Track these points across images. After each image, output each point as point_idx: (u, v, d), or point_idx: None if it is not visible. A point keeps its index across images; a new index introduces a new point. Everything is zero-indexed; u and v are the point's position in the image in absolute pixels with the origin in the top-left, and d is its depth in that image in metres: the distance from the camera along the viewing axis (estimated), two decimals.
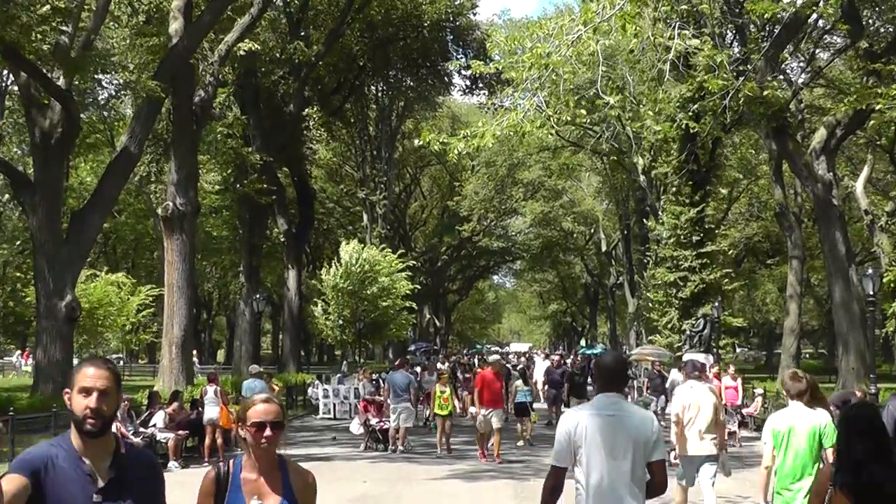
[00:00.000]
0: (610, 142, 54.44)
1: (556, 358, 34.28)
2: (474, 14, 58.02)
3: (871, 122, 34.00)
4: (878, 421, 5.49)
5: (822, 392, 9.49)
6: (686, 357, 34.98)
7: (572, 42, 13.06)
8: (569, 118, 14.17)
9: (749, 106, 28.75)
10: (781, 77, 37.94)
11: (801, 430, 8.40)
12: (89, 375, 4.06)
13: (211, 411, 20.93)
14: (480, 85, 57.92)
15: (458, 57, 58.40)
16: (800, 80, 43.63)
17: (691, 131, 27.80)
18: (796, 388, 8.64)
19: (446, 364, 38.05)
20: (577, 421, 6.01)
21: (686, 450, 12.07)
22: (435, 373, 28.32)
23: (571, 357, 45.07)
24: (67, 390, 4.09)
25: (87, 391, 4.01)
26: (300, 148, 52.95)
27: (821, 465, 7.99)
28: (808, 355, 79.43)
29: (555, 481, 5.97)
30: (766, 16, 15.19)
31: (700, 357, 36.45)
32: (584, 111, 14.23)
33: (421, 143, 14.75)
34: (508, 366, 32.13)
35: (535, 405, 27.46)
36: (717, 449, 12.15)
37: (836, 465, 5.41)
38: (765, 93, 14.54)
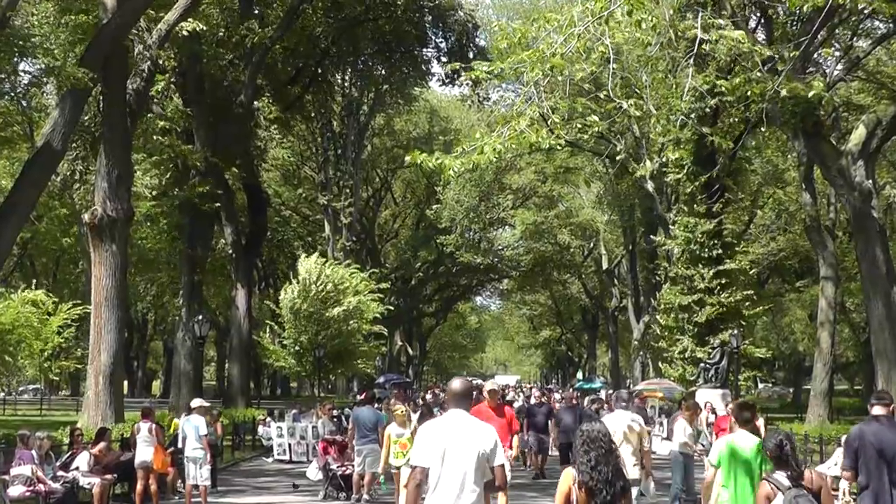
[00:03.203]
0: (616, 140, 54.57)
1: (538, 393, 31.25)
2: None
3: None
4: (605, 434, 8.13)
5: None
6: (698, 393, 35.17)
7: (579, 35, 12.96)
8: (582, 125, 14.01)
9: (777, 102, 28.77)
10: (813, 69, 38.06)
11: (747, 454, 11.06)
12: None
13: (144, 453, 20.73)
14: (463, 75, 57.61)
15: (439, 41, 58.47)
16: (834, 73, 43.76)
17: (705, 136, 27.91)
18: (744, 416, 11.67)
19: (405, 404, 34.60)
20: (433, 431, 8.47)
21: None
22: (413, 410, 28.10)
23: (562, 392, 44.55)
24: None
25: None
26: (251, 146, 52.78)
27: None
28: (842, 392, 79.60)
29: (419, 478, 8.23)
30: (805, 8, 15.12)
31: (715, 393, 36.67)
32: (596, 118, 14.13)
33: (411, 162, 14.51)
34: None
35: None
36: (639, 474, 14.69)
37: (577, 468, 8.07)
38: (811, 94, 14.37)
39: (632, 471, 14.23)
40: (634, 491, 14.05)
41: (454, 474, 8.18)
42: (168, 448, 22.54)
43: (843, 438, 16.29)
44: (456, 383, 8.98)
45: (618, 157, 53.88)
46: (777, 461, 9.31)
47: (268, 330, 51.20)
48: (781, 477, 9.09)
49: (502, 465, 8.44)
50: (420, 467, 8.29)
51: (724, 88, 14.16)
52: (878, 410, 11.27)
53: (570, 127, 14.91)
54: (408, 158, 14.56)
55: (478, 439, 8.33)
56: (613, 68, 13.69)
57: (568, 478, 8.18)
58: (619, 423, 14.68)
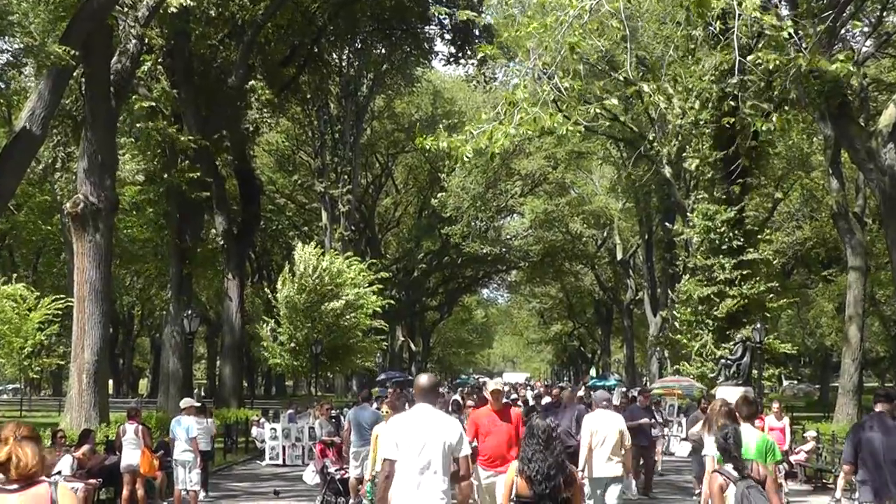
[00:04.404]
0: (633, 123, 54.45)
1: (556, 391, 29.53)
2: None
3: None
4: (543, 430, 9.33)
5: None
6: (718, 391, 35.14)
7: (591, 9, 12.84)
8: (601, 108, 13.84)
9: (802, 81, 28.64)
10: (840, 45, 37.92)
11: (752, 448, 11.32)
12: None
13: (130, 456, 20.71)
14: (468, 52, 57.47)
15: (442, 18, 58.25)
16: (863, 49, 43.60)
17: (727, 122, 27.80)
18: (748, 411, 12.22)
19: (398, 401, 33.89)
20: (401, 424, 9.40)
21: (593, 472, 15.45)
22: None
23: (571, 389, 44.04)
24: None
25: None
26: (243, 130, 52.63)
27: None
28: (872, 389, 79.63)
29: (388, 470, 9.08)
30: None
31: (737, 391, 36.57)
32: (615, 100, 14.02)
33: (418, 146, 14.21)
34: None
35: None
36: (622, 471, 15.69)
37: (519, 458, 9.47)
38: (833, 66, 14.21)
39: (614, 469, 15.46)
40: (617, 489, 15.61)
41: (420, 466, 9.04)
42: (156, 451, 22.52)
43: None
44: (422, 378, 9.92)
45: (623, 139, 53.76)
46: (723, 453, 9.98)
47: (266, 327, 51.03)
48: (732, 469, 9.79)
49: (466, 456, 9.37)
50: (388, 460, 9.17)
51: (766, 60, 14.01)
52: (879, 407, 12.44)
53: (585, 110, 14.72)
54: (424, 142, 14.08)
55: (443, 432, 9.22)
56: (624, 45, 13.61)
57: (513, 468, 9.57)
58: (601, 422, 15.71)
